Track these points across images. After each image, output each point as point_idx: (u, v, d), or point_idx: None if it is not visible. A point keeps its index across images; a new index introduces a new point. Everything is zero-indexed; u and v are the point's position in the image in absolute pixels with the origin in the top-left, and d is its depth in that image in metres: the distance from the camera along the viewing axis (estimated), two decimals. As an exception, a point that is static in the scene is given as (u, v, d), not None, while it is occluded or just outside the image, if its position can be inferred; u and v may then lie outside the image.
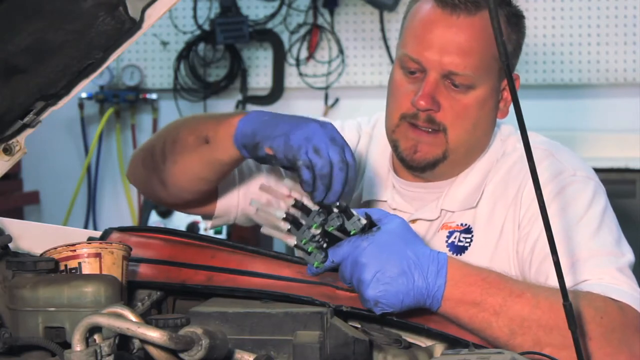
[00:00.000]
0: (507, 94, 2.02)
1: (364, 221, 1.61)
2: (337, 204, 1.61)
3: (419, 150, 1.96)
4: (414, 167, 1.99)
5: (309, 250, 1.64)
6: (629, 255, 1.86)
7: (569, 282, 1.68)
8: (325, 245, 1.64)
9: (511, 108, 1.37)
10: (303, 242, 1.63)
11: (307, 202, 1.64)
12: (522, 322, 1.62)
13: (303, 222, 1.63)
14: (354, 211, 1.62)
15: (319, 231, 1.62)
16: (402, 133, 1.97)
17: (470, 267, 1.65)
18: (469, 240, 1.98)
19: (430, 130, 1.95)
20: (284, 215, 1.62)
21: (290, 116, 1.80)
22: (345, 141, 1.74)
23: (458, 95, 1.94)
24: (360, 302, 1.64)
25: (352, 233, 1.62)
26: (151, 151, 2.03)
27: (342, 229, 1.62)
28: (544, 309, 1.62)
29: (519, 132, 2.05)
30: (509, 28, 1.98)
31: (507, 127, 2.09)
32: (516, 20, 2.02)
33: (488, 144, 2.06)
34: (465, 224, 1.99)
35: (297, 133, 1.72)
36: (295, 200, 1.65)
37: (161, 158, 1.98)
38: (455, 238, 1.99)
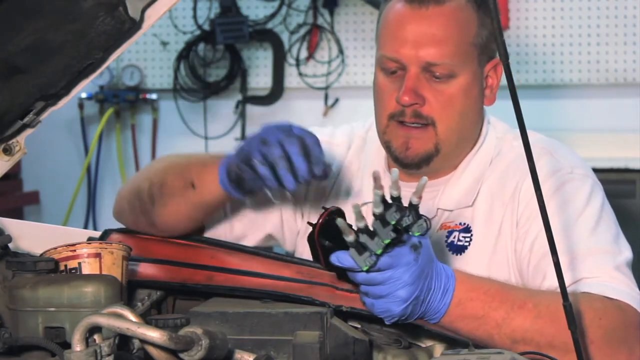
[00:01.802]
0: (491, 81, 2.01)
1: (426, 225, 1.56)
2: (412, 202, 1.54)
3: (411, 146, 1.96)
4: (409, 164, 1.98)
5: (384, 242, 1.52)
6: (627, 253, 1.86)
7: (566, 281, 1.68)
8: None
9: (510, 107, 1.36)
10: (384, 242, 1.53)
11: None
12: (524, 333, 1.63)
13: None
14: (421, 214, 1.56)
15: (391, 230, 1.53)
16: (393, 133, 1.97)
17: (472, 281, 1.65)
18: (468, 239, 1.98)
19: (419, 125, 1.95)
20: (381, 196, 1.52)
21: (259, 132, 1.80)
22: (293, 125, 1.75)
23: (441, 87, 1.93)
24: (359, 302, 1.64)
25: (416, 234, 1.55)
26: (137, 193, 2.00)
27: (406, 228, 1.55)
28: (546, 318, 1.63)
29: (514, 130, 2.06)
30: (481, 12, 1.96)
31: (501, 125, 2.08)
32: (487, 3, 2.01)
33: (479, 133, 2.04)
34: (464, 223, 1.99)
35: (252, 142, 1.75)
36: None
37: (149, 201, 1.96)
38: (454, 238, 1.99)
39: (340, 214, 1.71)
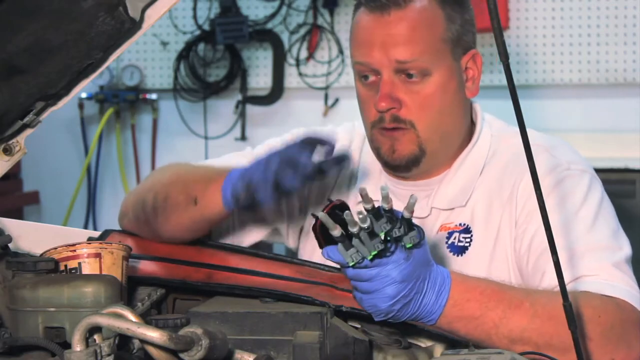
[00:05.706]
0: (472, 72, 2.01)
1: (419, 237, 1.55)
2: (403, 216, 1.53)
3: (396, 149, 1.97)
4: (397, 166, 1.99)
5: (371, 253, 1.52)
6: (626, 249, 1.85)
7: (565, 278, 1.68)
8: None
9: (510, 107, 1.36)
10: (371, 253, 1.53)
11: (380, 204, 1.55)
12: (522, 332, 1.63)
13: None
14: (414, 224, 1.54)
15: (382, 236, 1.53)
16: (378, 140, 1.99)
17: (468, 282, 1.64)
18: (468, 240, 1.98)
19: (399, 128, 1.96)
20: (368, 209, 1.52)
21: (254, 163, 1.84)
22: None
23: (416, 87, 1.94)
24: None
25: (407, 247, 1.55)
26: (142, 204, 2.01)
27: (396, 239, 1.55)
28: (543, 317, 1.63)
29: (510, 127, 2.06)
30: (447, 8, 1.96)
31: (497, 122, 2.08)
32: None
33: (469, 129, 2.05)
34: (464, 224, 1.99)
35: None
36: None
37: (153, 213, 1.97)
38: (455, 239, 1.99)
39: (344, 207, 1.71)
